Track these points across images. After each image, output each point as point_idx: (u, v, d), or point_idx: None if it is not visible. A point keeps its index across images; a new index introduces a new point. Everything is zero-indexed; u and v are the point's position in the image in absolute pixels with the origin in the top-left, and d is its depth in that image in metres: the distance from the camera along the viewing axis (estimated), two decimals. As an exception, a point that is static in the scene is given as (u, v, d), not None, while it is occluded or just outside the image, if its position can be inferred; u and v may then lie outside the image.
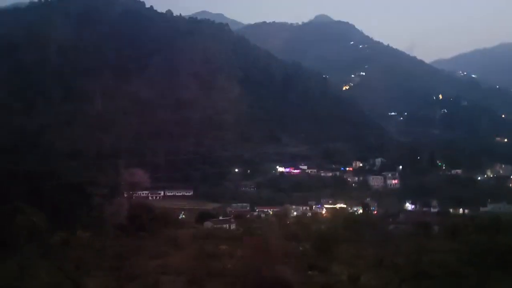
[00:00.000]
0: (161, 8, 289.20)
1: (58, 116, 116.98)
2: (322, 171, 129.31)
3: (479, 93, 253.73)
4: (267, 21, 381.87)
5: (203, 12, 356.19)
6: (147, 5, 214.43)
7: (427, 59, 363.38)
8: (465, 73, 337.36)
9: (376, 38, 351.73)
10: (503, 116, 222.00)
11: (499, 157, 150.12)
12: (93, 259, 17.69)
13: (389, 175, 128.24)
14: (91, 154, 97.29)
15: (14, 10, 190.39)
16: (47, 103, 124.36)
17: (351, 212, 72.19)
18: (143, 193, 78.15)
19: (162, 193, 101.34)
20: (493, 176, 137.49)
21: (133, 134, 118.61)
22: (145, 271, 17.87)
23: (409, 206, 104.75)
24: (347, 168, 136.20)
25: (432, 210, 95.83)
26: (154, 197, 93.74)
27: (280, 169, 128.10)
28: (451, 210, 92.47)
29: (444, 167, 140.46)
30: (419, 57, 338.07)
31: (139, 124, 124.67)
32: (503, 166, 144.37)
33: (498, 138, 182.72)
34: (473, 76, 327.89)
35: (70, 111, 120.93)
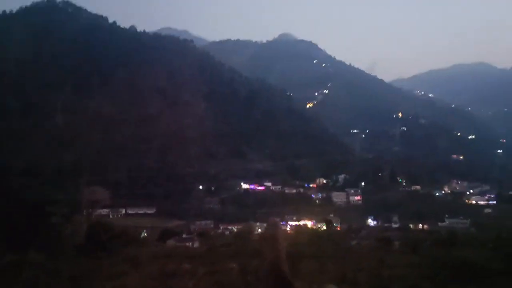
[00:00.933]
0: (124, 23, 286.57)
1: (15, 132, 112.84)
2: (286, 188, 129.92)
3: (435, 111, 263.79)
4: (232, 39, 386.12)
5: (168, 28, 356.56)
6: (110, 21, 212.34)
7: (387, 79, 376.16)
8: (422, 92, 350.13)
9: (338, 57, 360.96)
10: (458, 134, 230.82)
11: (455, 173, 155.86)
12: (47, 281, 16.92)
13: (352, 191, 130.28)
14: (49, 171, 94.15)
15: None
16: (4, 117, 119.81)
17: (314, 229, 72.64)
18: (103, 211, 76.22)
19: (123, 211, 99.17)
20: (450, 192, 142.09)
21: (94, 151, 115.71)
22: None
23: (371, 221, 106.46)
24: (311, 185, 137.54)
25: (393, 225, 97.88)
26: (115, 215, 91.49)
27: (245, 185, 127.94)
28: (411, 225, 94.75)
29: (404, 183, 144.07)
30: (379, 76, 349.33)
31: (101, 140, 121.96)
32: (459, 182, 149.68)
33: (454, 156, 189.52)
34: (430, 95, 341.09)
35: (27, 127, 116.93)
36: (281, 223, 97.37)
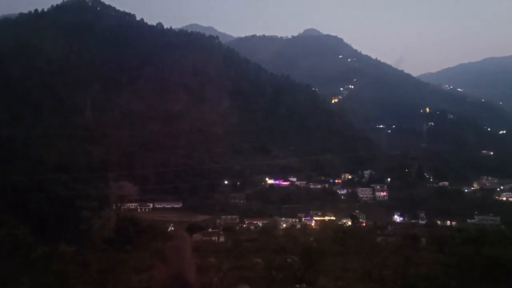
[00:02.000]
0: (151, 20, 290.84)
1: (46, 129, 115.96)
2: (311, 183, 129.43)
3: (465, 106, 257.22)
4: (257, 34, 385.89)
5: (194, 25, 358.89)
6: (138, 18, 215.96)
7: (414, 73, 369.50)
8: (451, 87, 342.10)
9: (364, 52, 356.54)
10: (488, 129, 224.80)
11: (485, 169, 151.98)
12: (76, 273, 17.46)
13: (378, 187, 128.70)
14: (79, 167, 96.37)
15: (3, 22, 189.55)
16: (35, 115, 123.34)
17: (339, 224, 72.27)
18: (132, 206, 77.75)
19: (151, 205, 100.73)
20: (480, 188, 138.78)
21: (122, 147, 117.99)
22: (128, 285, 17.70)
23: (397, 218, 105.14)
24: (336, 180, 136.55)
25: (420, 222, 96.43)
26: (143, 210, 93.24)
27: (270, 181, 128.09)
28: (438, 222, 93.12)
29: (431, 180, 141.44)
30: (406, 70, 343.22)
31: (129, 137, 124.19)
32: (489, 178, 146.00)
33: (484, 151, 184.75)
34: (459, 90, 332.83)
35: (59, 124, 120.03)
36: (306, 218, 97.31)
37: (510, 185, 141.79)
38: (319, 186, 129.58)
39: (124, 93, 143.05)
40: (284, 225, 78.77)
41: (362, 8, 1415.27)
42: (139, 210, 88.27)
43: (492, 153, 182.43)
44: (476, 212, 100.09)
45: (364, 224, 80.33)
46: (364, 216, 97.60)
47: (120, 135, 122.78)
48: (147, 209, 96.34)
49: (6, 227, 24.36)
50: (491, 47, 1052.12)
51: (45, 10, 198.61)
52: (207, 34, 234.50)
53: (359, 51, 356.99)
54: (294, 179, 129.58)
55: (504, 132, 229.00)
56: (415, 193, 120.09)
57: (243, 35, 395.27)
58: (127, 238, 29.16)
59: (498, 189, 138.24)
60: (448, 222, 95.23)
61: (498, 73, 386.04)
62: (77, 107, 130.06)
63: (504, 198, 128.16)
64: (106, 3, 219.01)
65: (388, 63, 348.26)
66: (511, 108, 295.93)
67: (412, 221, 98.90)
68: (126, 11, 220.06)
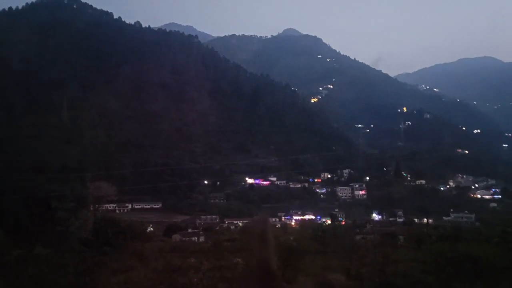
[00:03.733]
0: (129, 19, 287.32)
1: (21, 128, 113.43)
2: (291, 183, 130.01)
3: (440, 106, 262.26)
4: (237, 34, 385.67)
5: (173, 24, 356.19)
6: (115, 16, 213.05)
7: (392, 73, 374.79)
8: (427, 87, 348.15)
9: (343, 52, 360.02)
10: (463, 128, 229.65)
11: (460, 168, 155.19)
12: (53, 276, 17.11)
13: (357, 186, 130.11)
14: (56, 167, 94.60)
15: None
16: (9, 115, 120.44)
17: (319, 223, 72.79)
18: (110, 207, 76.54)
19: (130, 206, 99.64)
20: (455, 186, 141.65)
21: (100, 146, 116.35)
22: (106, 287, 17.44)
23: (376, 216, 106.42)
24: (316, 180, 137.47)
25: (398, 220, 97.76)
26: (121, 210, 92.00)
27: (250, 180, 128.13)
28: (415, 219, 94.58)
29: (409, 178, 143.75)
30: (384, 71, 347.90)
31: (106, 136, 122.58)
32: (464, 176, 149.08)
33: (459, 150, 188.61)
34: (435, 89, 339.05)
35: (33, 123, 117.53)
36: (286, 217, 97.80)
37: (485, 183, 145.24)
38: (299, 186, 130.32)
39: (101, 92, 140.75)
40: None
41: (340, 9, 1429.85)
42: (117, 211, 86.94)
43: (467, 151, 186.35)
44: (451, 210, 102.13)
45: (344, 223, 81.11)
46: (344, 214, 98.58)
47: (98, 134, 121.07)
48: (125, 210, 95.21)
49: (-21, 230, 23.74)
50: (466, 48, 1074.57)
51: (20, 7, 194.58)
52: (186, 33, 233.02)
53: (337, 51, 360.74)
54: (274, 179, 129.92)
55: (479, 131, 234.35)
56: (393, 192, 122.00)
57: (222, 35, 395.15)
58: (105, 239, 28.75)
59: (473, 187, 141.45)
60: (425, 220, 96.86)
61: (472, 74, 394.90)
62: (53, 106, 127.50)
63: (479, 196, 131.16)
64: (83, 1, 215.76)
65: (366, 63, 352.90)
66: (484, 108, 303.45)
67: (390, 219, 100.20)
68: (104, 9, 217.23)
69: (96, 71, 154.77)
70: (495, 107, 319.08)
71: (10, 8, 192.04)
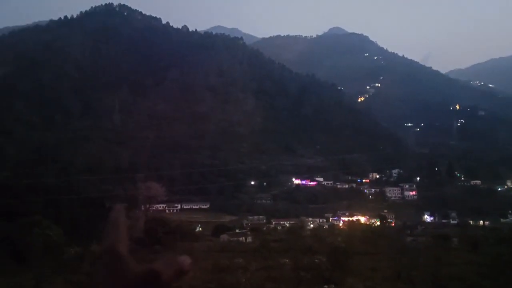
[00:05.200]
0: (177, 24, 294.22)
1: (76, 131, 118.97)
2: (338, 183, 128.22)
3: (496, 102, 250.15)
4: (282, 35, 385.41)
5: (218, 26, 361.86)
6: (164, 22, 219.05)
7: (443, 69, 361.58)
8: (481, 83, 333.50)
9: (391, 49, 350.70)
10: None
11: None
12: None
13: (407, 186, 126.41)
14: (109, 169, 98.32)
15: (34, 28, 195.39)
16: (66, 118, 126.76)
17: (368, 224, 71.34)
18: (160, 206, 78.78)
19: (179, 206, 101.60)
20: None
21: (150, 148, 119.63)
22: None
23: (427, 217, 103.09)
24: (364, 180, 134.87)
25: (451, 221, 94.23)
26: (171, 210, 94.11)
27: (296, 181, 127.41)
28: (470, 221, 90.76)
29: (462, 178, 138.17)
30: (434, 67, 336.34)
31: (156, 138, 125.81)
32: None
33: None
34: (489, 85, 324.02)
35: (88, 126, 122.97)
36: (334, 218, 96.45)
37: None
38: (346, 186, 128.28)
39: (150, 95, 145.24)
40: (311, 225, 78.28)
41: (386, 5, 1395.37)
42: (167, 211, 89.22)
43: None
44: (510, 211, 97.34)
45: (393, 224, 79.17)
46: (393, 216, 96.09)
47: (148, 136, 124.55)
48: (175, 210, 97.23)
49: (40, 228, 25.01)
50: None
51: (74, 16, 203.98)
52: (231, 35, 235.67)
53: (385, 48, 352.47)
54: (321, 179, 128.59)
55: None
56: (446, 192, 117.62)
57: (267, 36, 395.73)
58: (156, 238, 29.55)
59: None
60: (481, 222, 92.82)
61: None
62: (105, 110, 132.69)
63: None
64: (133, 8, 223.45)
65: (415, 60, 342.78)
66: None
67: (443, 220, 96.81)
68: (152, 15, 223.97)
69: (145, 75, 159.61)
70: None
71: (65, 17, 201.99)
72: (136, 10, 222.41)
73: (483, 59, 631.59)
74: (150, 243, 27.47)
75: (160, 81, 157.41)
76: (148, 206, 44.89)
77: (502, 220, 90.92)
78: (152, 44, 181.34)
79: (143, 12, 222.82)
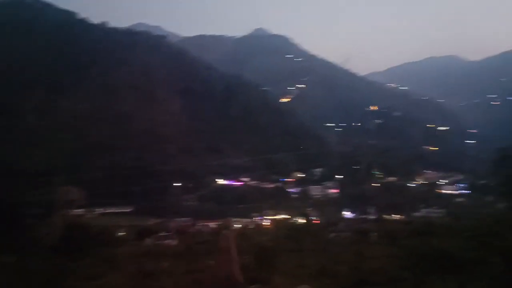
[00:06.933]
0: (96, 19, 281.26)
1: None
2: (263, 183, 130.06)
3: (409, 104, 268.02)
4: (206, 34, 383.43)
5: (140, 24, 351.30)
6: (79, 17, 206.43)
7: (362, 72, 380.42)
8: (397, 85, 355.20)
9: (312, 51, 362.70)
10: (431, 125, 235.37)
11: (429, 164, 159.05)
12: (19, 283, 16.41)
13: (329, 184, 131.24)
14: (23, 172, 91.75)
15: None
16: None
17: (292, 223, 72.76)
18: (79, 211, 74.73)
19: (100, 210, 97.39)
20: (424, 182, 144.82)
21: (69, 150, 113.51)
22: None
23: (348, 214, 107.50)
24: (288, 179, 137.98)
25: (370, 217, 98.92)
26: (91, 215, 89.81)
27: (222, 181, 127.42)
28: (387, 216, 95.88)
29: (380, 175, 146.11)
30: (354, 69, 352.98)
31: (75, 140, 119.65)
32: (432, 172, 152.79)
33: (427, 147, 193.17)
34: (403, 88, 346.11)
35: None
36: (259, 217, 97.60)
37: (452, 178, 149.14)
38: (272, 186, 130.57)
39: (69, 95, 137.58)
40: (238, 226, 78.42)
41: (309, 8, 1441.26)
42: (87, 215, 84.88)
43: (435, 148, 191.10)
44: (421, 205, 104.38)
45: (317, 222, 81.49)
46: (317, 213, 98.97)
47: (66, 138, 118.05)
48: (95, 215, 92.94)
49: None
50: (433, 47, 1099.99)
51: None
52: (154, 33, 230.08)
53: (306, 50, 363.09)
54: (247, 179, 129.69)
55: (446, 128, 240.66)
56: (365, 189, 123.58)
57: (191, 35, 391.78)
58: (75, 245, 27.85)
59: (441, 183, 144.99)
60: (396, 216, 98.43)
61: (438, 72, 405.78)
62: (18, 110, 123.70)
63: (447, 191, 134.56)
64: (46, 1, 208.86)
65: (335, 62, 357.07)
66: (451, 106, 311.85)
67: (362, 216, 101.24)
68: (70, 9, 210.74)
69: (63, 74, 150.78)
70: (461, 104, 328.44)
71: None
72: (49, 3, 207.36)
73: (398, 62, 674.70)
74: (68, 250, 25.81)
75: (80, 80, 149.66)
76: (66, 211, 42.39)
77: (415, 214, 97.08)
78: (69, 40, 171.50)
79: (58, 6, 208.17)
